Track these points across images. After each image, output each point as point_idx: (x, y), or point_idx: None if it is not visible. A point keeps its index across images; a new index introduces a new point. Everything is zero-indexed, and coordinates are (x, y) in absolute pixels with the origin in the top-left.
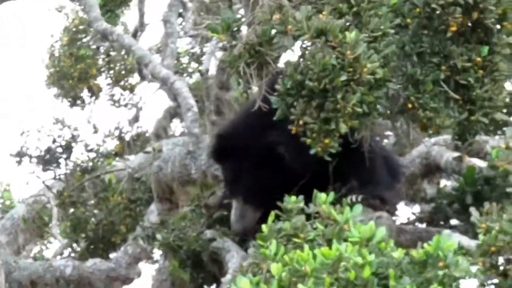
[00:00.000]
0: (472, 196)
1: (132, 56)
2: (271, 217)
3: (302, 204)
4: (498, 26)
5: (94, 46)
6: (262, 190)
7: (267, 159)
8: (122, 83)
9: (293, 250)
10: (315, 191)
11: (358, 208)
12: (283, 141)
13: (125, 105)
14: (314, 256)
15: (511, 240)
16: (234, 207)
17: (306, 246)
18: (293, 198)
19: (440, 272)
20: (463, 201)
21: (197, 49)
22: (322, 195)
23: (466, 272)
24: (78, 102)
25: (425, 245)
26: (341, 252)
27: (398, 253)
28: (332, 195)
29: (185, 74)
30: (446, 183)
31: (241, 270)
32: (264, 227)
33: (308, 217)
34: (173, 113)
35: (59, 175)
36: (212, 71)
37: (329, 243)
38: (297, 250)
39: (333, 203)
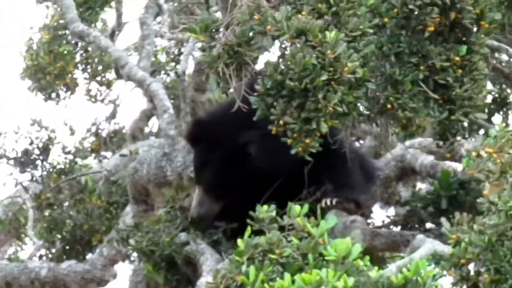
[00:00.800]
0: (447, 200)
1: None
2: (247, 232)
3: (274, 213)
4: (476, 26)
5: (73, 42)
6: (223, 185)
7: (235, 156)
8: (99, 78)
9: (269, 267)
10: (289, 203)
11: (333, 219)
12: (256, 141)
13: (102, 101)
14: (293, 281)
15: (481, 252)
16: (196, 192)
17: (286, 274)
18: (265, 207)
19: None
20: (438, 205)
21: (174, 49)
22: (296, 207)
23: None
24: (53, 96)
25: (404, 270)
26: (321, 277)
27: (374, 272)
28: (306, 207)
29: (162, 72)
30: (421, 186)
31: (215, 281)
32: (240, 241)
33: (283, 228)
34: (149, 114)
35: (36, 176)
36: (189, 72)
37: (304, 257)
38: (275, 273)
39: (308, 215)
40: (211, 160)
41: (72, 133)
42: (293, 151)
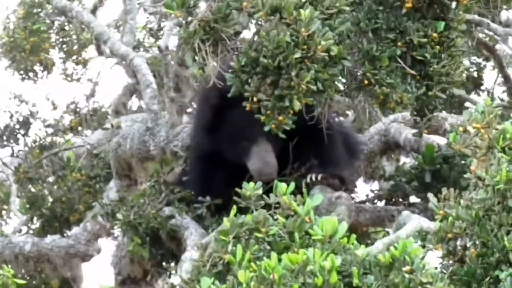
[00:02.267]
0: (431, 174)
1: (87, 31)
2: (232, 211)
3: (260, 191)
4: (454, 2)
5: (48, 21)
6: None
7: None
8: (75, 57)
9: (255, 246)
10: (275, 180)
11: (319, 197)
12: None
13: (78, 80)
14: (280, 260)
15: (468, 227)
16: (257, 149)
17: (272, 253)
18: (251, 184)
19: (406, 276)
20: (422, 179)
21: (154, 25)
22: (283, 185)
23: (432, 277)
24: (30, 75)
25: (392, 248)
26: (308, 256)
27: (361, 251)
28: (292, 185)
29: (141, 49)
30: (405, 161)
31: (201, 260)
32: (225, 220)
33: (269, 206)
34: (132, 89)
35: (17, 151)
36: (171, 47)
37: (290, 235)
38: (261, 252)
39: (294, 192)
40: None
41: (54, 108)
42: (266, 128)
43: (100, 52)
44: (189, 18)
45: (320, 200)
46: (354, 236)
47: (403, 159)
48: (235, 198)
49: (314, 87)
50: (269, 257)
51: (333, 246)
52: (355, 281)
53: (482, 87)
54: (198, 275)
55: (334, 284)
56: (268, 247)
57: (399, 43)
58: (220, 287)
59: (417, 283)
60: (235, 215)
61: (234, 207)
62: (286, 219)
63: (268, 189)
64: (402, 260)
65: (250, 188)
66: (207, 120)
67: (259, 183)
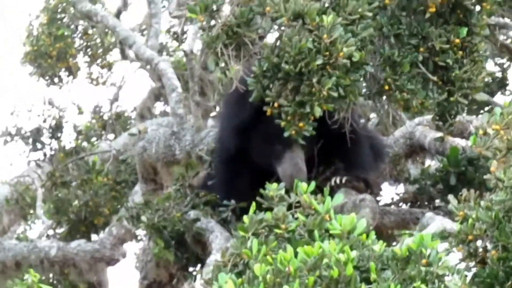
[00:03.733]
0: (456, 177)
1: (111, 35)
2: (252, 208)
3: (283, 192)
4: (478, 7)
5: (72, 26)
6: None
7: None
8: (99, 61)
9: (274, 242)
10: (295, 180)
11: (340, 197)
12: None
13: (103, 83)
14: (296, 254)
15: (488, 228)
16: (289, 155)
17: (288, 246)
18: (274, 185)
19: (423, 269)
20: (447, 182)
21: (177, 29)
22: (303, 185)
23: (449, 269)
24: (56, 80)
25: (409, 241)
26: (323, 249)
27: (379, 246)
28: (313, 184)
29: (164, 53)
30: (430, 163)
31: (222, 260)
32: (245, 217)
33: (290, 206)
34: (157, 93)
35: (46, 156)
36: (196, 51)
37: (310, 233)
38: (278, 245)
39: (315, 192)
40: None
41: (81, 113)
42: (286, 134)
43: (124, 56)
44: (212, 22)
45: (340, 199)
46: (373, 232)
47: (428, 162)
48: (258, 199)
49: (335, 94)
50: (285, 251)
51: (351, 242)
52: (373, 276)
53: (508, 87)
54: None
55: (349, 277)
56: (288, 245)
57: (421, 49)
58: (235, 281)
59: (434, 276)
60: (255, 212)
61: (254, 204)
62: (306, 217)
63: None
64: (419, 253)
65: (273, 189)
66: (244, 119)
67: (282, 184)
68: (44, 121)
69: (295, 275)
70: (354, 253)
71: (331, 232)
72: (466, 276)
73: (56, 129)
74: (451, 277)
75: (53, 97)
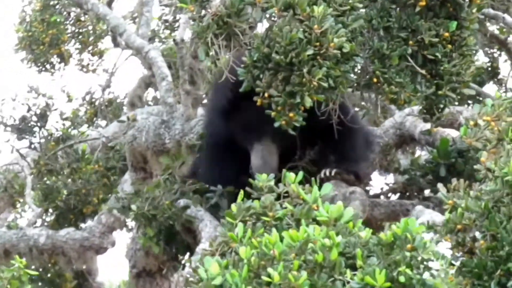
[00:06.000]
0: (446, 168)
1: (103, 23)
2: (240, 196)
3: (272, 183)
4: (467, 1)
5: (65, 12)
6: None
7: None
8: (91, 48)
9: (261, 229)
10: (284, 170)
11: (328, 187)
12: None
13: (94, 71)
14: (282, 239)
15: (477, 218)
16: (256, 149)
17: (273, 230)
18: (264, 176)
19: (408, 254)
20: (437, 173)
21: (169, 17)
22: (291, 175)
23: (433, 254)
24: (48, 67)
25: (393, 226)
26: (308, 234)
27: (365, 233)
28: (301, 174)
29: (156, 40)
30: (421, 153)
31: (211, 249)
32: (233, 205)
33: (279, 196)
34: (148, 81)
35: (34, 143)
36: (187, 40)
37: (297, 222)
38: (265, 233)
39: (302, 182)
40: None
41: (70, 100)
42: (276, 124)
43: (116, 44)
44: (203, 12)
45: (328, 189)
46: (360, 221)
47: (418, 153)
48: (247, 189)
49: (325, 84)
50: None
51: (338, 229)
52: (359, 262)
53: (499, 77)
54: None
55: (334, 261)
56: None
57: (410, 42)
58: (221, 263)
59: (419, 261)
60: (242, 200)
61: (242, 192)
62: (294, 207)
63: (278, 180)
64: (404, 238)
65: (263, 179)
66: (224, 106)
67: (272, 175)
68: (28, 110)
69: (280, 259)
70: (339, 239)
71: (318, 218)
72: (453, 265)
73: (41, 118)
74: (436, 262)
75: (42, 85)
